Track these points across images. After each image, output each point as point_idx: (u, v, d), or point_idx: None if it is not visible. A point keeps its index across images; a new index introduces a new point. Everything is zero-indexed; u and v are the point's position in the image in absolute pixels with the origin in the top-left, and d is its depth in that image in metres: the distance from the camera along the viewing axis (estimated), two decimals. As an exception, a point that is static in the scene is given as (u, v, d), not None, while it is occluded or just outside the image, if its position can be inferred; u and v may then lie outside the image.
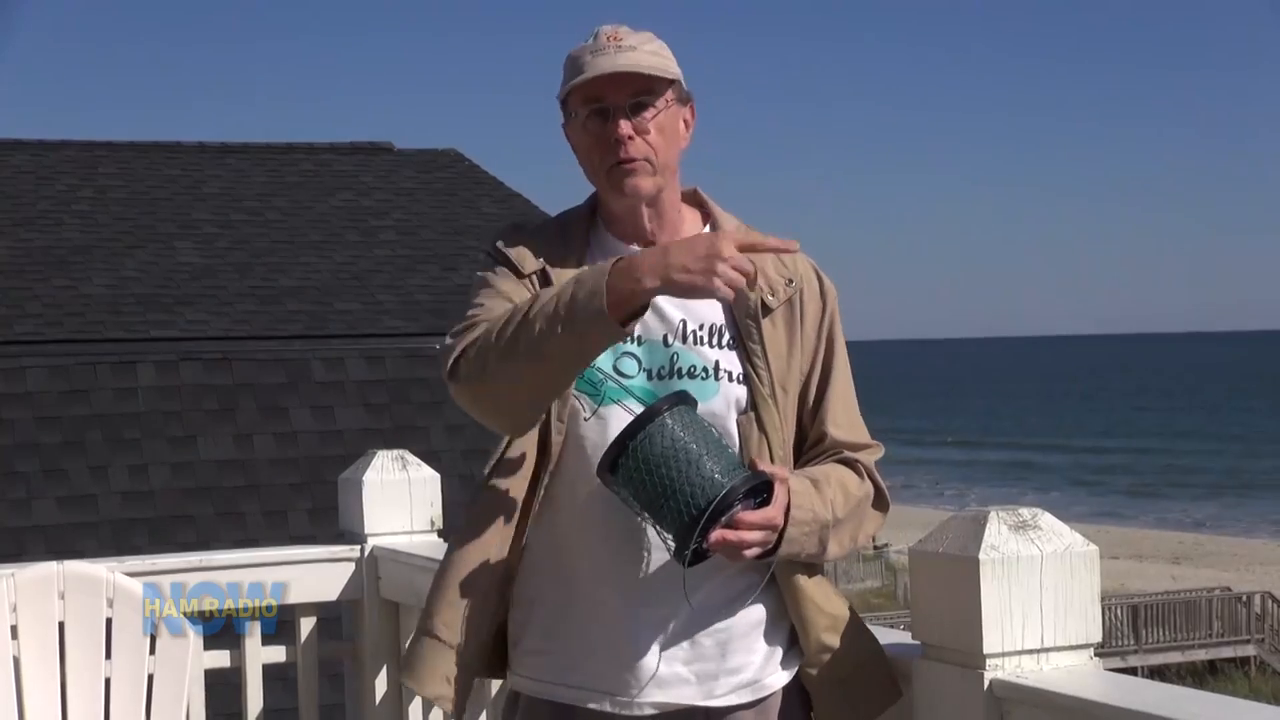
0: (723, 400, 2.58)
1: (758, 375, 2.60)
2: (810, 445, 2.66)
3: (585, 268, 2.53)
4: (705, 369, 2.59)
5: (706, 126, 2.75)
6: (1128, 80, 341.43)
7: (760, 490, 2.44)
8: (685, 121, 2.64)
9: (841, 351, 2.71)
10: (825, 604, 2.61)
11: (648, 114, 2.57)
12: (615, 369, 2.59)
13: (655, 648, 2.54)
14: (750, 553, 2.43)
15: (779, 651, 2.62)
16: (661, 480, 2.37)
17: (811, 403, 2.66)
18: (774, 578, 2.58)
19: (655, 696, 2.55)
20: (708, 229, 2.68)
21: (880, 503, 2.68)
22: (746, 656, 2.59)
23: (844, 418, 2.67)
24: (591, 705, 2.58)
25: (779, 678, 2.61)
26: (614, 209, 2.65)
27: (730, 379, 2.59)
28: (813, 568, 2.61)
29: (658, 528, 2.42)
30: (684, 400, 2.45)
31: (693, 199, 2.73)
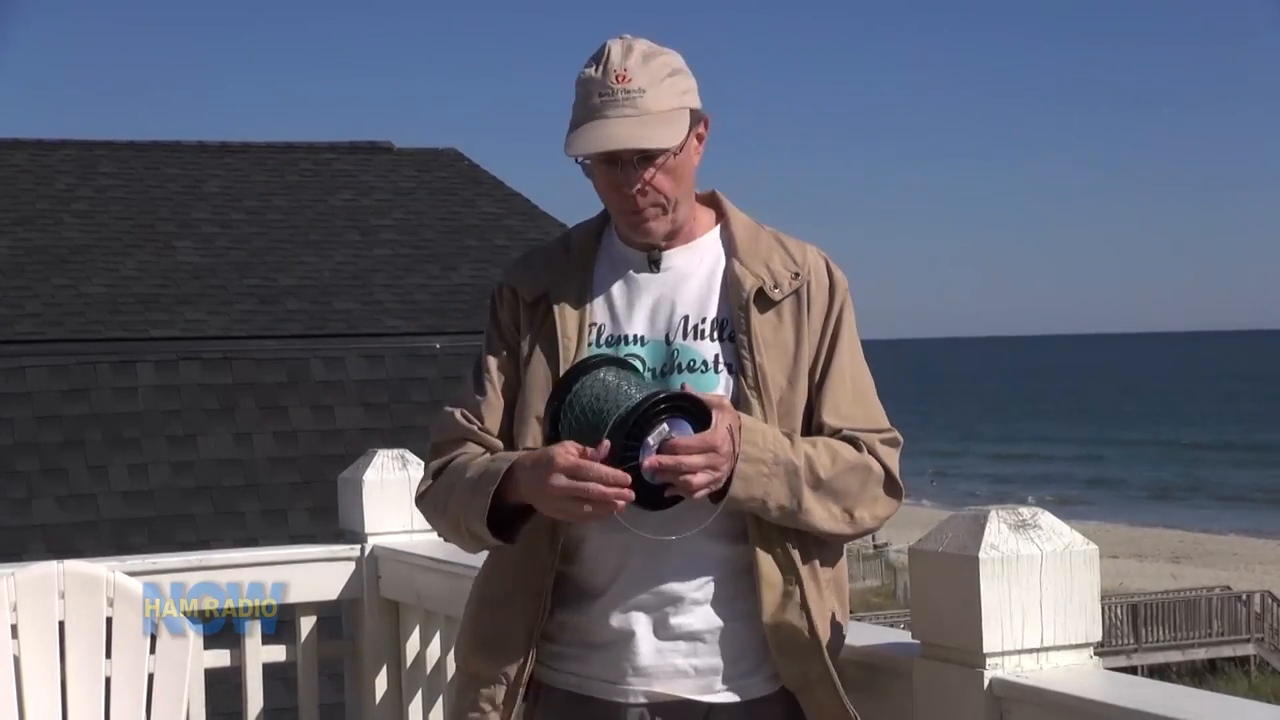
0: (723, 392, 2.57)
1: (742, 369, 2.58)
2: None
3: (487, 469, 2.57)
4: (705, 362, 2.60)
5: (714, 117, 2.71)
6: (1119, 76, 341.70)
7: (700, 418, 2.41)
8: (699, 137, 2.62)
9: (847, 343, 2.65)
10: (790, 621, 2.55)
11: (658, 162, 2.55)
12: None
13: (653, 639, 2.57)
14: (698, 480, 2.40)
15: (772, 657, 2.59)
16: (594, 417, 2.40)
17: (813, 395, 2.62)
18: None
19: (650, 686, 2.58)
20: (718, 230, 2.69)
21: (891, 487, 2.61)
22: (741, 657, 2.59)
23: (848, 407, 2.61)
24: (593, 694, 2.61)
25: (772, 683, 2.60)
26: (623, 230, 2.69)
27: (730, 372, 2.59)
28: (796, 581, 2.54)
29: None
30: (617, 361, 2.50)
31: (709, 200, 2.73)
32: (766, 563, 2.55)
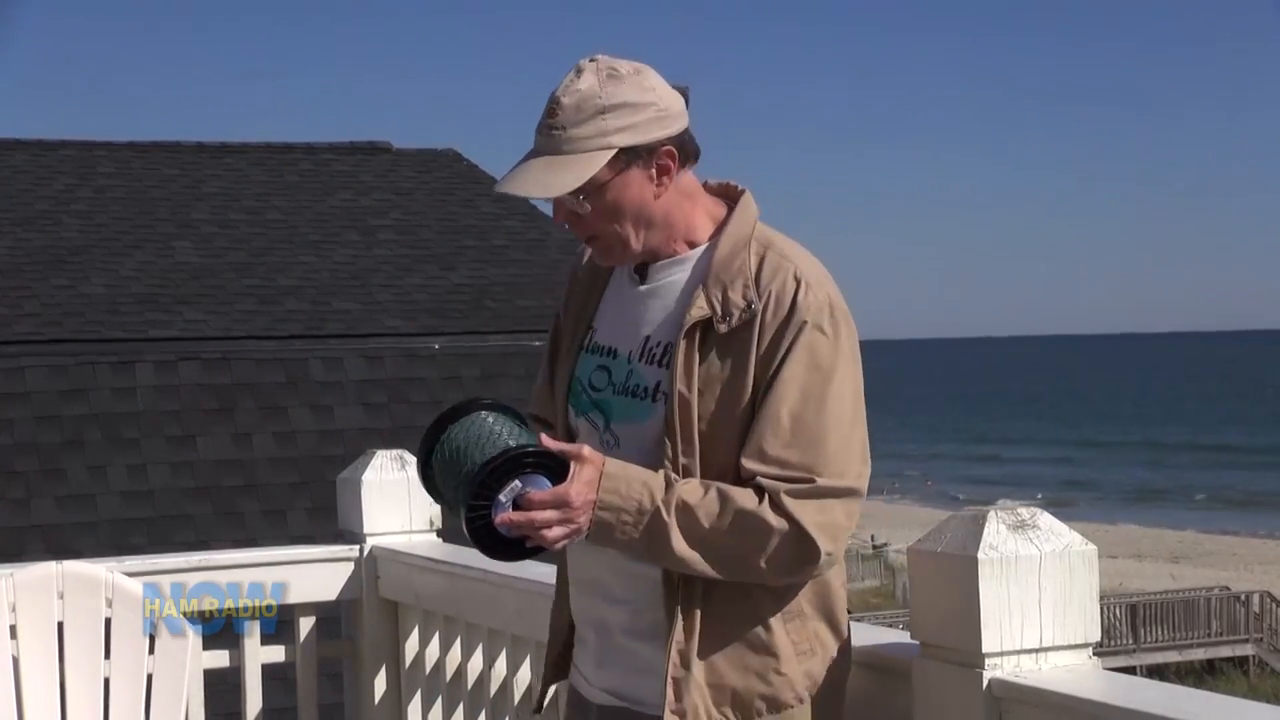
0: (657, 422, 2.49)
1: (666, 402, 2.47)
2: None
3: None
4: (645, 389, 2.52)
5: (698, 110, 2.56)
6: (1123, 69, 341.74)
7: (558, 471, 2.40)
8: (659, 169, 2.48)
9: (798, 378, 2.42)
10: (716, 667, 2.47)
11: (571, 199, 2.47)
12: (590, 382, 2.60)
13: (607, 646, 2.61)
14: (552, 535, 2.38)
15: None
16: (455, 465, 2.40)
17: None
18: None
19: (614, 686, 2.61)
20: (705, 246, 2.56)
21: (799, 542, 2.39)
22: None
23: (778, 449, 2.41)
24: (578, 688, 2.70)
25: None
26: None
27: (666, 402, 2.49)
28: (725, 622, 2.46)
29: (462, 517, 2.41)
30: (501, 407, 2.47)
31: (729, 196, 2.61)
32: (671, 608, 2.49)
